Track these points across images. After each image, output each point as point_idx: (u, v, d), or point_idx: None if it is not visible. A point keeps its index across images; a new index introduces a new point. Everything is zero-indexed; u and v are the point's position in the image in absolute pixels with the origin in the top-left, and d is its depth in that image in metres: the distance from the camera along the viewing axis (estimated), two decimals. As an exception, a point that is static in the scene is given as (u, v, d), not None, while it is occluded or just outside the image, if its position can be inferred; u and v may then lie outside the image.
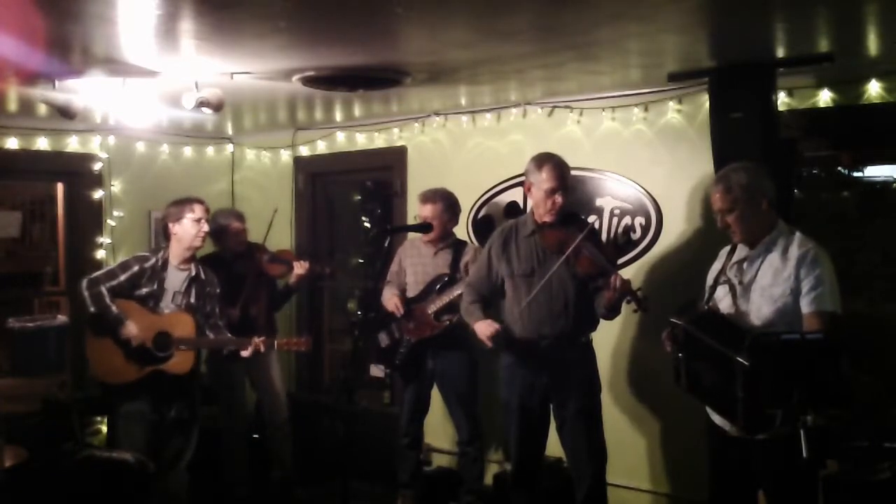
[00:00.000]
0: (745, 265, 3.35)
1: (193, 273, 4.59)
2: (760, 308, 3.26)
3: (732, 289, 3.36)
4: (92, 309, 4.41)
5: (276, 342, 4.67)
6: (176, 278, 4.54)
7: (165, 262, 4.53)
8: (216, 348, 4.78)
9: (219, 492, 5.25)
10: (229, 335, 4.68)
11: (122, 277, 4.45)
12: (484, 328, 4.04)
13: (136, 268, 4.48)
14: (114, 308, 4.39)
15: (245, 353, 4.59)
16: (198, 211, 4.54)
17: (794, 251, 3.26)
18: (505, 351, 4.17)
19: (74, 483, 2.34)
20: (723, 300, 3.40)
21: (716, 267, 3.53)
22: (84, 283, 4.43)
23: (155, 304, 4.49)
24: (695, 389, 3.28)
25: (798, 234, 3.32)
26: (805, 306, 3.19)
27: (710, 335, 3.10)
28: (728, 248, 3.50)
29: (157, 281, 4.49)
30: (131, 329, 4.37)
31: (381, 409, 5.70)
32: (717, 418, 3.38)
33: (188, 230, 4.51)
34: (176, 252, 4.54)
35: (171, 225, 4.55)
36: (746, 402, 2.88)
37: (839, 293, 3.23)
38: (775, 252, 3.29)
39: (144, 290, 4.47)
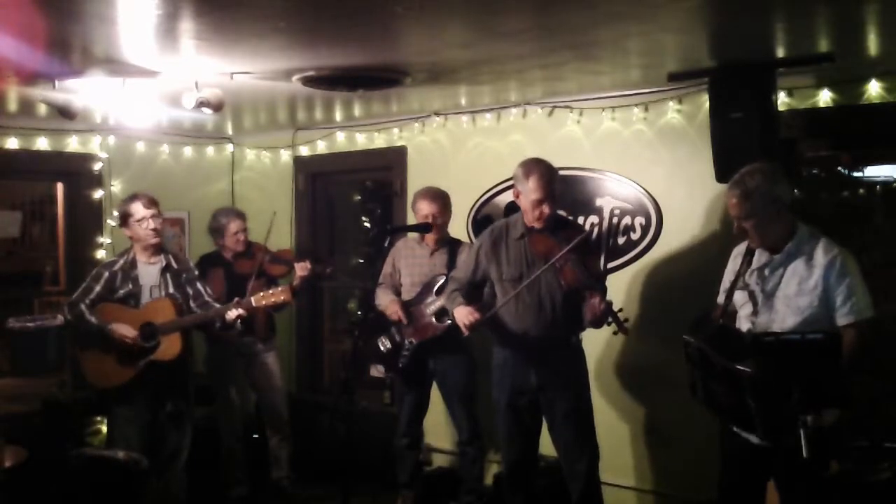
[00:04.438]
0: (766, 272, 3.23)
1: (164, 263, 4.59)
2: (785, 318, 3.15)
3: (753, 297, 3.26)
4: (79, 328, 4.47)
5: (252, 299, 4.55)
6: (149, 273, 4.55)
7: (134, 261, 4.55)
8: (201, 323, 4.73)
9: (218, 492, 5.25)
10: (217, 306, 4.63)
11: (98, 288, 4.49)
12: (464, 314, 4.03)
13: (106, 274, 4.52)
14: (94, 320, 4.41)
15: (231, 316, 4.52)
16: (139, 210, 4.49)
17: (819, 258, 3.13)
18: (496, 347, 4.18)
19: (67, 481, 2.35)
20: (743, 307, 3.30)
21: (731, 268, 3.42)
22: (66, 308, 4.50)
23: (136, 303, 4.51)
24: (712, 406, 3.16)
25: (822, 239, 3.19)
26: (841, 318, 3.09)
27: (720, 352, 2.96)
28: (743, 246, 3.37)
29: (130, 280, 4.52)
30: (119, 329, 4.39)
31: (381, 409, 5.68)
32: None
33: (136, 231, 4.52)
34: (139, 250, 4.56)
35: (123, 230, 4.59)
36: (760, 411, 2.79)
37: (869, 295, 3.14)
38: (800, 259, 3.16)
39: (122, 292, 4.50)
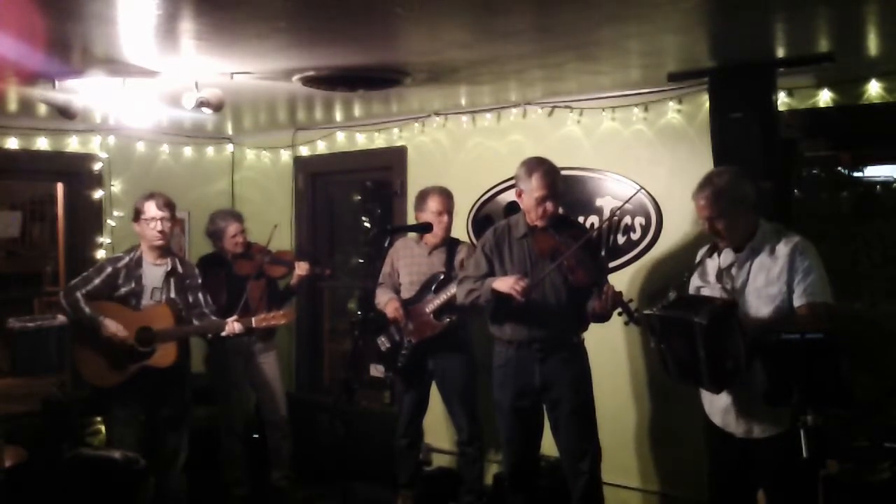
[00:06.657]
0: (733, 270, 3.34)
1: (170, 267, 4.57)
2: (759, 310, 3.24)
3: (726, 294, 3.34)
4: (72, 316, 4.41)
5: (253, 320, 4.60)
6: (153, 274, 4.53)
7: (140, 260, 4.53)
8: (199, 335, 4.77)
9: (218, 492, 5.25)
10: (215, 319, 4.65)
11: (97, 280, 4.45)
12: (511, 282, 3.83)
13: (109, 269, 4.48)
14: (87, 310, 4.37)
15: (225, 334, 4.56)
16: (150, 210, 4.47)
17: (781, 248, 3.26)
18: (497, 348, 4.16)
19: (62, 482, 2.34)
20: None
21: (698, 269, 3.50)
22: (62, 293, 4.45)
23: (137, 303, 4.49)
24: (671, 370, 3.32)
25: (783, 230, 3.32)
26: (797, 299, 3.19)
27: (675, 312, 3.18)
28: (705, 249, 3.50)
29: (134, 279, 4.49)
30: (110, 326, 4.36)
31: (381, 409, 5.70)
32: (716, 418, 3.38)
33: (144, 230, 4.50)
34: (146, 249, 4.54)
35: (133, 224, 4.57)
36: (708, 361, 3.04)
37: (828, 284, 3.23)
38: (763, 253, 3.28)
39: (124, 290, 4.48)
